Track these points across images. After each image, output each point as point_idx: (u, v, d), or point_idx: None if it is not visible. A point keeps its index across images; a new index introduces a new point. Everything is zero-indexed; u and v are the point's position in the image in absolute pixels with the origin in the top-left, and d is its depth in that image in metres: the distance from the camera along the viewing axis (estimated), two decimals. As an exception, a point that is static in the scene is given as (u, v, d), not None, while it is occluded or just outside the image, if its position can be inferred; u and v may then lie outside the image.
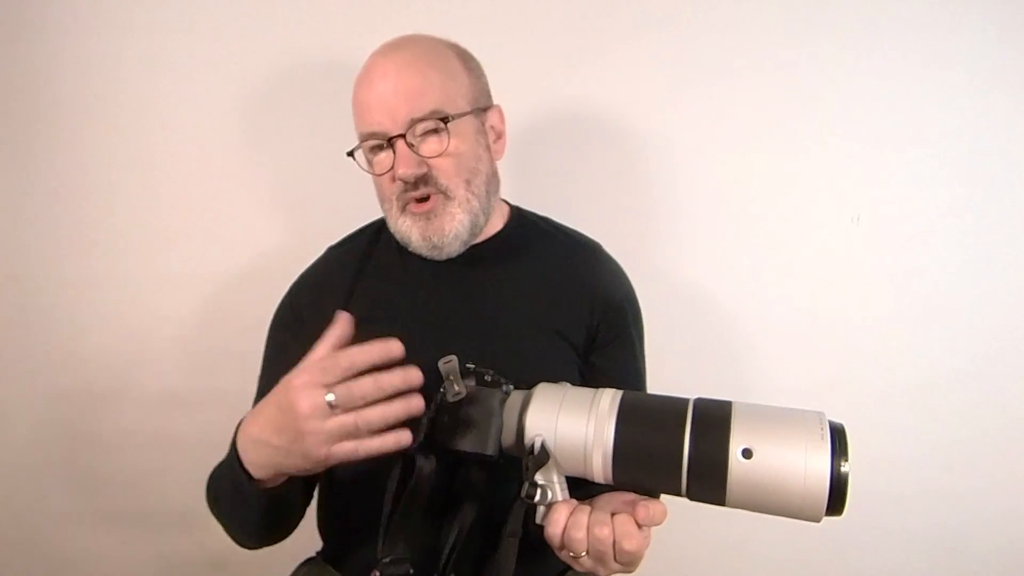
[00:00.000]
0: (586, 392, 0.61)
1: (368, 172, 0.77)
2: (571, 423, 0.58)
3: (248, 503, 0.65)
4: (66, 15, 1.10)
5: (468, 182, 0.75)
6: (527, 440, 0.59)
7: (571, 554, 0.58)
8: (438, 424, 0.61)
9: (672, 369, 1.11)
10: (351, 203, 0.93)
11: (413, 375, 0.56)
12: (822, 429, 0.50)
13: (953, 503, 1.18)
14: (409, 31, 0.82)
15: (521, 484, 0.59)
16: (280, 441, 0.58)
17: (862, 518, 1.19)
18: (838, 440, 0.50)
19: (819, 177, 1.12)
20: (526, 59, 1.08)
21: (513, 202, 0.91)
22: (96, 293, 1.15)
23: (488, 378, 0.62)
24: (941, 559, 1.19)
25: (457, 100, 0.75)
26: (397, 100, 0.71)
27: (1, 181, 1.13)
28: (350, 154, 0.76)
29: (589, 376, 0.81)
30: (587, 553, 0.57)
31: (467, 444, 0.61)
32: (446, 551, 0.64)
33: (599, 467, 0.57)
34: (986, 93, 1.10)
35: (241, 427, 0.63)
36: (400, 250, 0.82)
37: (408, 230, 0.76)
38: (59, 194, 1.13)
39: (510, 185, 0.88)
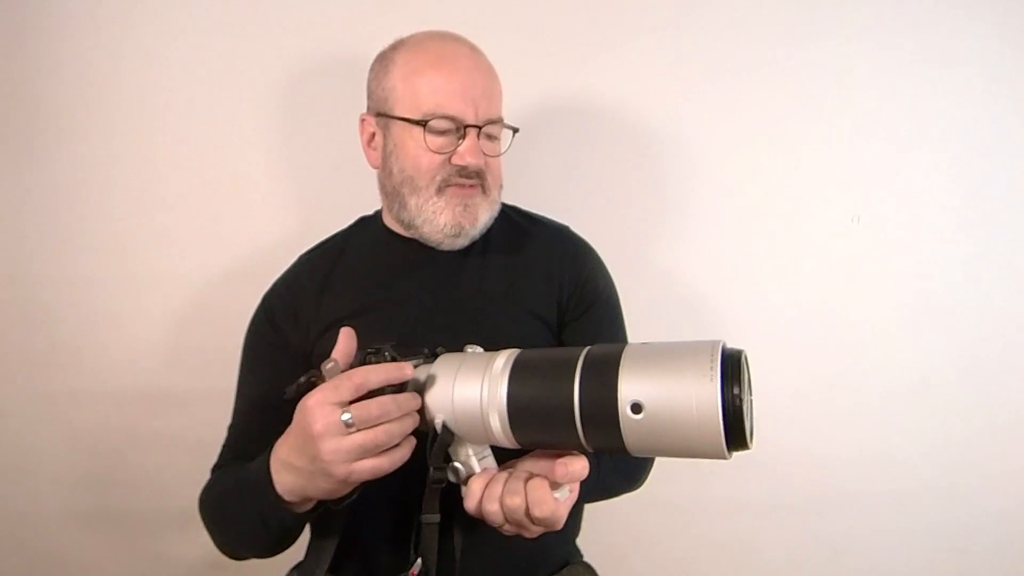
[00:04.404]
0: (484, 356, 0.59)
1: (424, 147, 0.77)
2: (467, 390, 0.56)
3: (268, 524, 0.65)
4: (66, 15, 1.10)
5: (500, 187, 0.84)
6: (427, 421, 0.58)
7: (495, 523, 0.59)
8: None
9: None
10: (346, 200, 0.93)
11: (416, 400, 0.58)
12: (712, 366, 0.47)
13: (953, 503, 1.18)
14: (411, 28, 0.83)
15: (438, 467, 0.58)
16: (301, 462, 0.58)
17: (862, 518, 1.19)
18: (729, 372, 0.47)
19: (819, 177, 1.12)
20: (531, 58, 1.08)
21: (515, 197, 0.92)
22: (96, 293, 1.15)
23: (384, 357, 0.59)
24: (941, 559, 1.19)
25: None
26: (483, 95, 0.77)
27: (1, 181, 1.13)
28: (423, 124, 0.76)
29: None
30: (506, 521, 0.58)
31: None
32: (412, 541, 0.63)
33: (499, 430, 0.55)
34: (986, 93, 1.10)
35: (273, 449, 0.63)
36: (374, 246, 0.86)
37: (437, 212, 0.78)
38: (59, 194, 1.13)
39: (513, 180, 0.89)
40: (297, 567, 0.83)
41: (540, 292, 0.84)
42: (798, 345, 1.15)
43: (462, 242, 0.80)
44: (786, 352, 1.15)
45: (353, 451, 0.55)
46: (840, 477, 1.18)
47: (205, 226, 1.14)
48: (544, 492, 0.56)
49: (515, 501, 0.56)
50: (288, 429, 0.61)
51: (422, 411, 0.58)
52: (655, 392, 0.48)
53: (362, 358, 0.59)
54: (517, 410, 0.54)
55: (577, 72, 1.11)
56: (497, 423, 0.55)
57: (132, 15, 1.10)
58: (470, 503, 0.58)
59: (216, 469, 0.82)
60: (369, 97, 0.84)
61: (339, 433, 0.55)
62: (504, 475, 0.58)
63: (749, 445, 0.47)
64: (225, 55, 1.10)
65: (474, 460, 0.59)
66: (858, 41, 1.09)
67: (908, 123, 1.11)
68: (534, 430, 0.55)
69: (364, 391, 0.55)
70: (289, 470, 0.60)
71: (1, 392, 1.18)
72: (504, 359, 0.56)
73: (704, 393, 0.46)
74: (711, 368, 0.46)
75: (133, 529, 1.21)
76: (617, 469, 0.80)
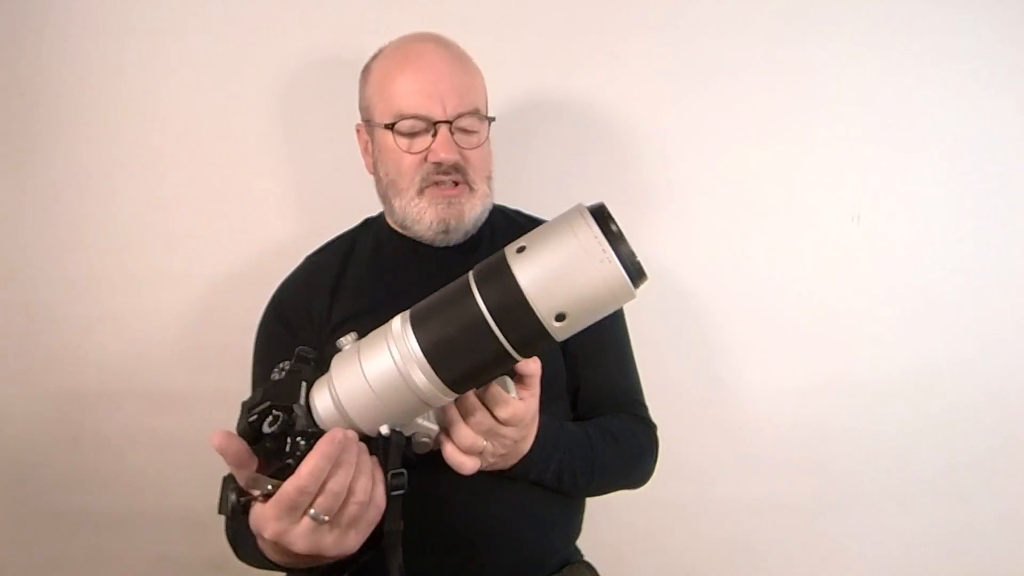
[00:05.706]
0: (376, 332, 0.56)
1: (399, 150, 0.79)
2: (378, 367, 0.53)
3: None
4: (67, 15, 1.10)
5: (488, 179, 0.84)
6: (372, 434, 0.55)
7: (489, 462, 0.62)
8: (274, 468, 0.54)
9: (672, 367, 1.11)
10: (349, 202, 0.94)
11: (351, 438, 0.53)
12: (602, 247, 0.48)
13: (953, 503, 1.18)
14: (409, 28, 0.84)
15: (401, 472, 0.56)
16: (303, 562, 0.56)
17: (862, 518, 1.19)
18: (613, 236, 0.49)
19: (819, 177, 1.12)
20: (530, 58, 1.09)
21: (515, 197, 0.93)
22: (95, 293, 1.15)
23: (278, 419, 0.53)
24: (941, 559, 1.20)
25: (485, 104, 0.83)
26: (449, 90, 0.77)
27: (1, 180, 1.13)
28: (390, 127, 0.78)
29: (567, 349, 0.85)
30: (486, 440, 0.60)
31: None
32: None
33: (426, 384, 0.53)
34: (985, 93, 1.10)
35: (262, 550, 0.58)
36: (381, 245, 0.87)
37: (422, 212, 0.79)
38: (59, 194, 1.13)
39: (507, 179, 0.89)
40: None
41: None
42: (798, 345, 1.15)
43: (454, 238, 0.81)
44: (786, 352, 1.15)
45: (345, 531, 0.53)
46: (840, 477, 1.18)
47: (205, 227, 1.14)
48: (499, 392, 0.58)
49: (477, 417, 0.58)
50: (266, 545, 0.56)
51: (363, 436, 0.55)
52: (568, 296, 0.49)
53: (247, 424, 0.53)
54: (435, 351, 0.52)
55: (575, 72, 1.11)
56: (422, 376, 0.53)
57: (134, 15, 1.10)
58: (461, 464, 0.59)
59: None
60: (359, 107, 0.86)
61: (322, 533, 0.52)
62: (457, 416, 0.59)
63: (647, 276, 0.51)
64: (228, 55, 1.10)
65: (427, 423, 0.59)
66: (857, 41, 1.09)
67: (907, 123, 1.11)
68: (459, 362, 0.53)
69: (320, 484, 0.50)
70: (293, 567, 0.59)
71: (1, 392, 1.18)
72: (399, 319, 0.55)
73: (608, 273, 0.48)
74: (602, 250, 0.48)
75: (133, 529, 1.21)
76: (614, 448, 0.80)
